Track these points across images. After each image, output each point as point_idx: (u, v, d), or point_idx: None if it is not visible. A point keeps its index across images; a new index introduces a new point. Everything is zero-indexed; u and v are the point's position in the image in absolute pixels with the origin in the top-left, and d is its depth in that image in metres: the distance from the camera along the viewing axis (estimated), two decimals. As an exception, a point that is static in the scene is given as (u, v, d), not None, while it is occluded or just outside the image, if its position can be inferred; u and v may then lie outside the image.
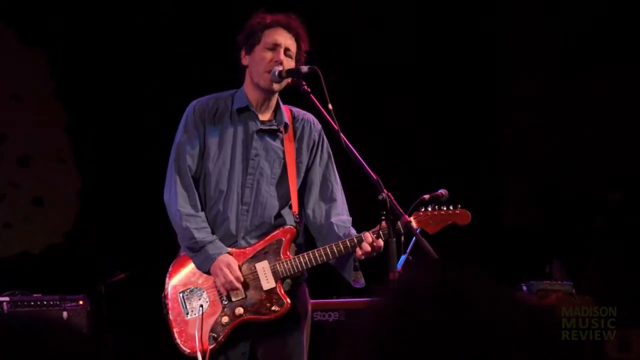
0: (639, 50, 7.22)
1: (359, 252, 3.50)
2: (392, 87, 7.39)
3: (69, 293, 5.58)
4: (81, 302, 5.56)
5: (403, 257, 4.73)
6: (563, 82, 7.52)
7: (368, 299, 5.47)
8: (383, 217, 3.39)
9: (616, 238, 7.09)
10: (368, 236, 3.49)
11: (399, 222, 3.36)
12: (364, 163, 3.38)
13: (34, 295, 5.53)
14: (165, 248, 3.88)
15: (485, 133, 7.63)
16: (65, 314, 5.46)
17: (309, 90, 3.49)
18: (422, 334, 1.27)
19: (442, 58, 7.43)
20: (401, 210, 3.36)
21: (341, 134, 3.41)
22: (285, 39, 3.61)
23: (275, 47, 3.58)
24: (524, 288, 5.68)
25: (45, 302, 5.49)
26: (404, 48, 7.37)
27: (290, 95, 3.74)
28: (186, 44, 7.03)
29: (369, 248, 3.48)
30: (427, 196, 3.80)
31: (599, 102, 7.38)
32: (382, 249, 3.47)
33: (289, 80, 3.58)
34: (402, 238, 4.36)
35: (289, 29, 3.62)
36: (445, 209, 3.65)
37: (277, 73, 3.56)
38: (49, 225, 7.18)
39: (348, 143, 3.43)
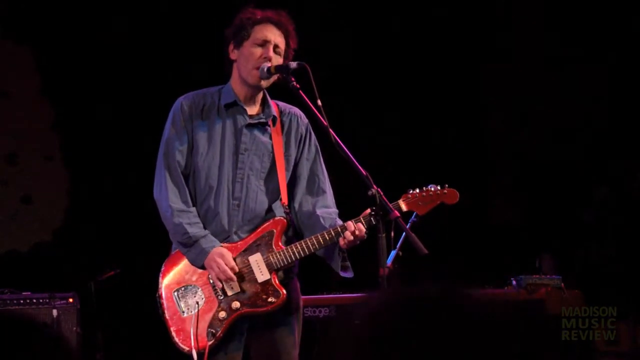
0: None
1: (342, 241, 3.50)
2: (382, 84, 7.39)
3: (59, 291, 5.56)
4: (71, 300, 5.54)
5: (393, 253, 4.75)
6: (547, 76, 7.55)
7: (358, 294, 5.45)
8: (373, 213, 3.39)
9: (603, 232, 7.12)
10: (350, 225, 3.49)
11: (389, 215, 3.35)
12: (353, 159, 3.39)
13: (24, 293, 5.52)
14: (155, 245, 3.87)
15: (470, 130, 7.64)
16: (55, 311, 5.44)
17: (298, 86, 3.49)
18: (402, 348, 1.27)
19: (431, 52, 7.44)
20: (391, 206, 3.36)
21: (330, 130, 3.41)
22: (275, 36, 3.61)
23: (264, 43, 3.59)
24: (514, 282, 5.70)
25: (34, 300, 5.46)
26: (397, 43, 7.37)
27: (280, 91, 3.73)
28: (176, 41, 7.01)
29: (351, 237, 3.48)
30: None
31: (587, 99, 7.41)
32: (365, 237, 3.47)
33: (277, 76, 3.59)
34: (392, 233, 4.38)
35: (279, 25, 3.63)
36: (433, 189, 3.66)
37: (265, 69, 3.56)
38: (38, 223, 7.16)
39: (337, 139, 3.43)
